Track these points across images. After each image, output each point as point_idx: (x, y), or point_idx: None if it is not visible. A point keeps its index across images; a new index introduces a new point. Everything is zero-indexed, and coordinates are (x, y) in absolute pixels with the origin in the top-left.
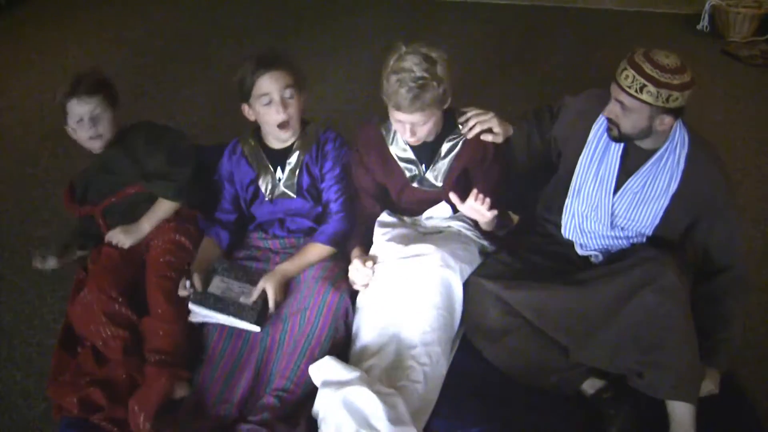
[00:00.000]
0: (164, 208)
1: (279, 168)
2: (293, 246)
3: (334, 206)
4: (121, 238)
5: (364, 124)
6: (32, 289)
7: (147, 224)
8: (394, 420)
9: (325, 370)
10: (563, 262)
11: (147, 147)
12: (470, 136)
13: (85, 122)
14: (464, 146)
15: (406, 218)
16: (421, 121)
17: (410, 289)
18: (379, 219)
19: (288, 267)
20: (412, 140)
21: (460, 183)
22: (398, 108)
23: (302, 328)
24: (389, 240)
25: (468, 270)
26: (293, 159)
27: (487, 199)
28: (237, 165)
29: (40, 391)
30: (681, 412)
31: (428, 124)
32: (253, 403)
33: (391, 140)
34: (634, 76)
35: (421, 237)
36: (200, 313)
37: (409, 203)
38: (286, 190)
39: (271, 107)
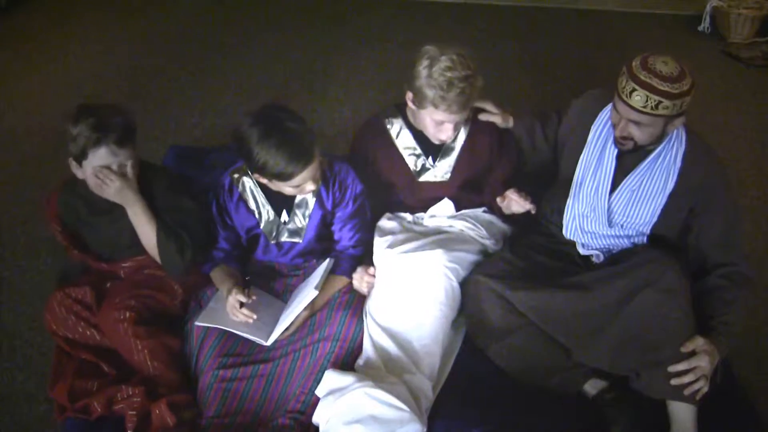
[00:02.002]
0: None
1: (284, 211)
2: (299, 267)
3: (347, 243)
4: (112, 187)
5: (368, 122)
6: (33, 290)
7: (139, 213)
8: (399, 408)
9: (326, 383)
10: (566, 262)
11: (166, 201)
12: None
13: (114, 170)
14: (469, 136)
15: (408, 217)
16: (464, 117)
17: (413, 284)
18: (378, 224)
19: (320, 301)
20: (451, 137)
21: (467, 181)
22: (449, 111)
23: (316, 355)
24: (388, 247)
25: (466, 268)
26: (302, 202)
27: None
28: (236, 209)
29: (42, 392)
30: (682, 412)
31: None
32: (264, 424)
33: (396, 134)
34: (647, 96)
35: (422, 238)
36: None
37: (415, 200)
38: (293, 237)
39: (300, 188)
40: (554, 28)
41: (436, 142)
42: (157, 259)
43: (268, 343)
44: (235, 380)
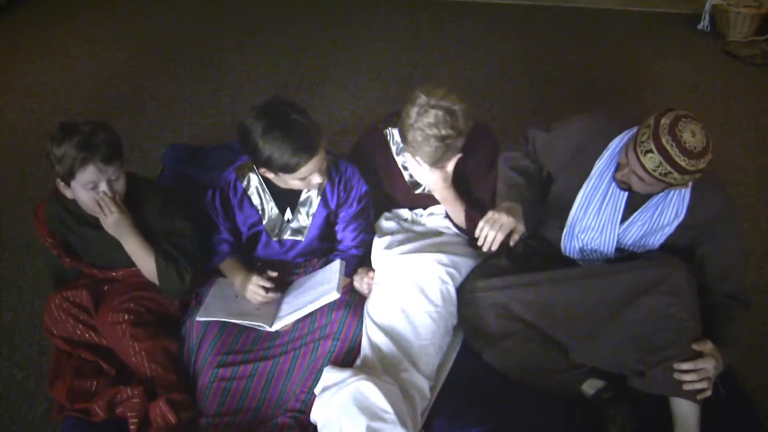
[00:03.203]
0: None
1: (288, 208)
2: (299, 266)
3: (350, 243)
4: (110, 219)
5: (368, 130)
6: (33, 289)
7: (135, 245)
8: (385, 409)
9: (323, 381)
10: (564, 265)
11: (162, 218)
12: (494, 248)
13: (102, 186)
14: (465, 147)
15: (406, 214)
16: (438, 166)
17: (410, 285)
18: (377, 224)
19: None
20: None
21: (462, 194)
22: (420, 161)
23: (316, 353)
24: (386, 248)
25: (463, 272)
26: (306, 200)
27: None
28: (240, 205)
29: (41, 391)
30: (686, 411)
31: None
32: (264, 422)
33: (396, 150)
34: (660, 162)
35: (421, 239)
36: (216, 313)
37: (413, 206)
38: (296, 235)
39: (306, 180)
40: (554, 26)
41: None
42: (156, 282)
43: (273, 329)
44: (235, 379)
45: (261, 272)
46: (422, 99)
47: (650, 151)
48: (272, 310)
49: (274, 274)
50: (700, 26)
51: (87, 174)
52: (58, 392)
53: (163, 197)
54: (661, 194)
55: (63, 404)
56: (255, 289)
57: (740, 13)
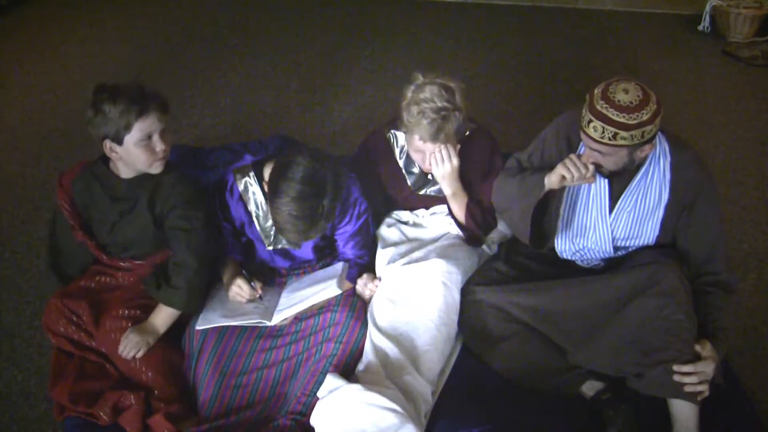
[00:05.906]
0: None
1: None
2: (300, 268)
3: (351, 255)
4: (137, 343)
5: (371, 134)
6: (33, 290)
7: (161, 323)
8: (394, 410)
9: (326, 385)
10: (565, 269)
11: (178, 218)
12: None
13: (155, 138)
14: (465, 149)
15: (406, 216)
16: (440, 145)
17: (414, 292)
18: (379, 232)
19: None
20: (426, 167)
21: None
22: (422, 139)
23: (319, 356)
24: (390, 262)
25: (466, 275)
26: None
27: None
28: (236, 208)
29: (41, 392)
30: (685, 412)
31: None
32: (265, 424)
33: (399, 153)
34: (603, 127)
35: (423, 247)
36: (216, 320)
37: (414, 207)
38: (292, 245)
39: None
40: (554, 27)
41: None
42: None
43: (272, 323)
44: (240, 387)
45: (247, 280)
46: (419, 79)
47: (591, 120)
48: (270, 304)
49: (259, 285)
50: (700, 27)
51: (146, 123)
52: (59, 394)
53: (192, 192)
54: (641, 175)
55: (64, 405)
56: (237, 290)
57: (740, 14)
